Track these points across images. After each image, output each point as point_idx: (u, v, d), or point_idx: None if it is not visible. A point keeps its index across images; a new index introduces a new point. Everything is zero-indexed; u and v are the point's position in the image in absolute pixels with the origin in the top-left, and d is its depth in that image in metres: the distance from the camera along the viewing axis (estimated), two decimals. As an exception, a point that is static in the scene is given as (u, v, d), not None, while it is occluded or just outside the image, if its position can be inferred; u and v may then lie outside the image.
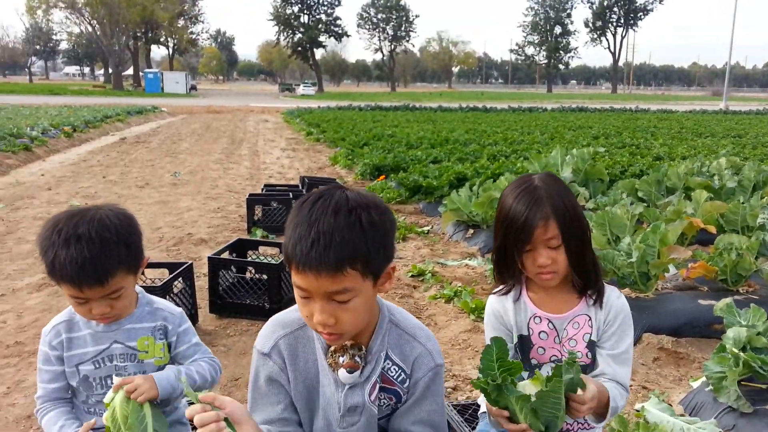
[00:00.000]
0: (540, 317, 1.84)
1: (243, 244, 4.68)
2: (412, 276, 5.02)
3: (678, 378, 3.27)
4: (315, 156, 13.48)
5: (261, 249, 4.88)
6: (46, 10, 66.07)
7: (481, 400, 1.97)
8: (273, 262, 4.32)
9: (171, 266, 3.95)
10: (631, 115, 30.22)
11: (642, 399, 2.98)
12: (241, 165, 11.86)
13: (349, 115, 25.37)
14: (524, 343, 1.86)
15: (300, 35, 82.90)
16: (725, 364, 2.66)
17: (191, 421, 1.31)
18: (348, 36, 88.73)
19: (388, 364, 1.55)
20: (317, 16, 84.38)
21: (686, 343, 3.58)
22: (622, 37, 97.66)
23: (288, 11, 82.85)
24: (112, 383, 1.80)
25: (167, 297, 3.45)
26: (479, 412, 2.06)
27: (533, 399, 1.50)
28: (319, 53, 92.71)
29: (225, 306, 4.18)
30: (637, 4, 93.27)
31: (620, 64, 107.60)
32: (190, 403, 1.34)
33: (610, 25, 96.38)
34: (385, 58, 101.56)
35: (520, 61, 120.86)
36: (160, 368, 1.86)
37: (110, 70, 70.61)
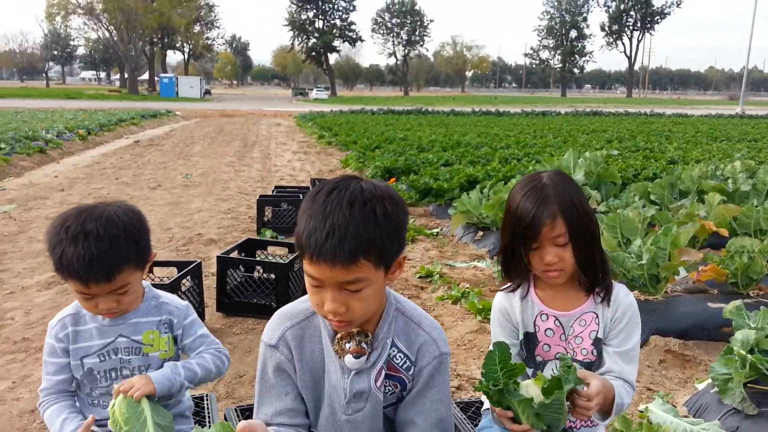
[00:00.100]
0: (547, 314, 1.83)
1: (252, 244, 4.70)
2: (420, 277, 5.02)
3: (683, 380, 3.24)
4: (326, 159, 13.53)
5: (270, 249, 4.90)
6: (65, 16, 66.93)
7: (484, 396, 1.97)
8: (281, 261, 4.33)
9: (180, 265, 3.98)
10: (646, 119, 29.99)
11: (646, 400, 2.95)
12: (253, 167, 11.93)
13: (362, 118, 25.44)
14: (530, 340, 1.86)
15: (314, 40, 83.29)
16: (732, 366, 2.62)
17: None
18: (362, 41, 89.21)
19: (394, 351, 1.56)
20: (332, 21, 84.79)
21: (693, 346, 3.54)
22: (639, 41, 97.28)
23: (303, 17, 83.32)
24: (116, 376, 1.82)
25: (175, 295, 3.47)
26: (482, 409, 2.05)
27: (536, 403, 1.51)
28: (332, 58, 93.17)
29: (232, 305, 4.20)
30: (655, 8, 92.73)
31: (636, 68, 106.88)
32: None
33: (626, 29, 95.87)
34: (398, 62, 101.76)
35: (534, 65, 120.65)
36: (165, 361, 1.87)
37: (126, 75, 71.41)
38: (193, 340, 1.93)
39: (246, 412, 2.14)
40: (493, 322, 1.93)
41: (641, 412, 2.71)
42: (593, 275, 1.78)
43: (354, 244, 1.31)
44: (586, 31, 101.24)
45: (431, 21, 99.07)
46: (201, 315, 3.98)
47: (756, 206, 5.53)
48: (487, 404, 1.95)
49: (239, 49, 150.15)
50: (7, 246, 5.83)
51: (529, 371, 1.85)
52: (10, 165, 10.71)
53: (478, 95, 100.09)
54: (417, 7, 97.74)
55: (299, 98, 69.59)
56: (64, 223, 1.66)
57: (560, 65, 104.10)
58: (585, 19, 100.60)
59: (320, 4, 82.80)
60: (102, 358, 1.82)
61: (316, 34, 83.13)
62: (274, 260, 4.55)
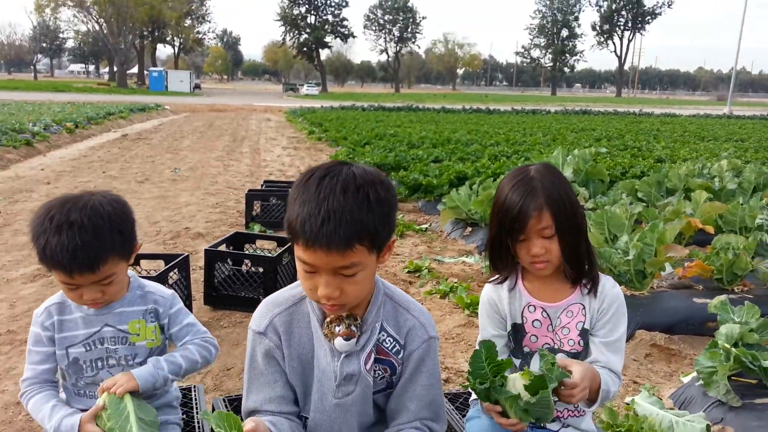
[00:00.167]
0: (534, 306, 1.85)
1: (240, 238, 4.68)
2: (409, 272, 5.02)
3: (669, 374, 3.27)
4: (316, 154, 13.49)
5: (258, 243, 4.88)
6: (54, 8, 66.28)
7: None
8: (270, 255, 4.32)
9: (167, 258, 3.95)
10: (635, 119, 30.18)
11: (632, 393, 2.97)
12: (242, 162, 11.88)
13: (352, 115, 25.39)
14: (518, 331, 1.87)
15: (306, 36, 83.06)
16: (716, 359, 2.65)
17: None
18: (354, 37, 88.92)
19: (383, 335, 1.58)
20: (324, 17, 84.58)
21: (679, 341, 3.58)
22: (629, 41, 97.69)
23: (295, 12, 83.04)
24: (102, 365, 1.82)
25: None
26: (470, 399, 2.06)
27: (522, 400, 1.53)
28: (324, 54, 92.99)
29: (220, 298, 4.19)
30: (646, 8, 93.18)
31: (626, 67, 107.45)
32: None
33: (617, 28, 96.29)
34: (390, 59, 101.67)
35: (525, 64, 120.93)
36: (152, 350, 1.87)
37: (115, 68, 70.82)
38: (179, 329, 1.92)
39: (234, 403, 2.14)
40: (481, 313, 1.94)
41: (627, 404, 2.73)
42: (579, 267, 1.79)
43: (350, 229, 1.32)
44: (578, 31, 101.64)
45: (423, 18, 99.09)
46: (188, 308, 3.95)
47: (741, 204, 5.58)
48: (474, 395, 1.97)
49: (230, 43, 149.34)
50: (-8, 238, 5.77)
51: (517, 362, 1.87)
52: (-4, 157, 10.61)
53: (468, 93, 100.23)
54: (409, 4, 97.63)
55: (290, 94, 69.33)
56: (48, 212, 1.65)
57: (551, 64, 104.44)
58: (576, 19, 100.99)
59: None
60: (88, 348, 1.81)
61: (308, 30, 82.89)
62: (262, 254, 4.53)
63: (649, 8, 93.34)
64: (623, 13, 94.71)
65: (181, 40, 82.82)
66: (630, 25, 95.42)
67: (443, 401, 1.68)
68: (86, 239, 1.61)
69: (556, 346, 1.83)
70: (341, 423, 1.58)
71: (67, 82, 68.95)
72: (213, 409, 2.11)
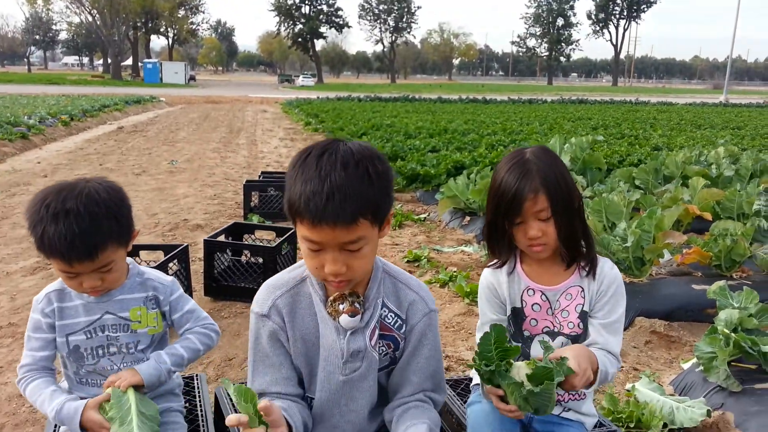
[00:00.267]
0: (533, 289, 1.85)
1: (239, 228, 4.68)
2: (408, 261, 5.03)
3: (669, 360, 3.28)
4: (313, 145, 13.45)
5: (257, 233, 4.88)
6: (46, 0, 65.82)
7: (474, 372, 1.99)
8: (269, 245, 4.31)
9: (166, 248, 3.95)
10: (631, 107, 30.19)
11: (633, 380, 2.98)
12: (239, 154, 11.85)
13: (348, 105, 25.32)
14: (517, 315, 1.87)
15: (301, 26, 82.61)
16: (716, 345, 2.67)
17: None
18: (349, 27, 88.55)
19: (385, 311, 1.60)
20: (318, 7, 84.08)
21: (678, 327, 3.59)
22: (625, 30, 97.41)
23: (290, 2, 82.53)
24: (104, 353, 1.81)
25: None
26: (471, 385, 2.07)
27: (524, 388, 1.52)
28: (319, 44, 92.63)
29: (220, 289, 4.18)
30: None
31: (622, 56, 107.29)
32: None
33: (613, 17, 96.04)
34: (385, 49, 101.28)
35: (521, 54, 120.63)
36: (154, 337, 1.87)
37: (109, 60, 70.39)
38: (180, 316, 1.92)
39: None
40: (481, 298, 1.94)
41: (628, 391, 2.75)
42: (575, 249, 1.79)
43: (354, 203, 1.34)
44: (573, 20, 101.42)
45: (419, 8, 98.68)
46: (189, 299, 3.96)
47: (739, 191, 5.60)
48: (476, 380, 1.97)
49: (224, 34, 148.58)
50: (-10, 231, 5.75)
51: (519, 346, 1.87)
52: (-8, 150, 10.56)
53: (465, 83, 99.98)
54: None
55: (285, 85, 69.12)
56: (44, 200, 1.63)
57: (547, 53, 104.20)
58: (572, 8, 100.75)
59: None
60: (89, 335, 1.81)
61: (303, 20, 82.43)
62: (261, 244, 4.53)
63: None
64: (618, 1, 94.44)
65: (175, 31, 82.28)
66: (625, 13, 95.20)
67: (443, 373, 1.72)
68: (84, 227, 1.60)
69: (555, 329, 1.83)
70: (348, 400, 1.60)
71: (62, 75, 68.50)
72: (216, 396, 2.12)
